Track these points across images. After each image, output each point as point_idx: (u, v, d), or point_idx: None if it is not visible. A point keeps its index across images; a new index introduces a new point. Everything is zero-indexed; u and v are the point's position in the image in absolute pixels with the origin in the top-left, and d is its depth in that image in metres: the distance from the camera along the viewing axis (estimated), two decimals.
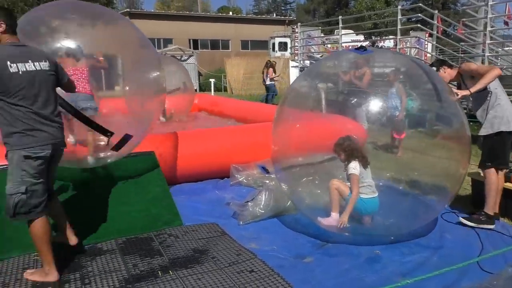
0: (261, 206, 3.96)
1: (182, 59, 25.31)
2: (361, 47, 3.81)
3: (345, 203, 3.58)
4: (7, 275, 3.04)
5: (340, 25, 12.72)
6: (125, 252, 3.37)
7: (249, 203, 4.00)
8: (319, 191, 4.07)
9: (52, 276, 2.90)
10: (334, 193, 3.61)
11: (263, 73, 13.84)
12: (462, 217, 3.91)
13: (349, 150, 3.55)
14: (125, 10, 32.24)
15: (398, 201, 4.05)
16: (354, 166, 3.49)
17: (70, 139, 4.08)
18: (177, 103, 9.50)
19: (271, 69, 13.42)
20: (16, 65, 2.69)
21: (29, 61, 2.76)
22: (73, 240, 3.32)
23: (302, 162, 4.33)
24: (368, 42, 18.11)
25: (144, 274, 3.00)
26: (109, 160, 4.17)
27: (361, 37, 20.36)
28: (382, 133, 4.29)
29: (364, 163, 3.55)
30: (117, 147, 3.77)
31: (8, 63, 2.65)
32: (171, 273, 3.00)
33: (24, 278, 2.96)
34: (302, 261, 3.22)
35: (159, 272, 3.02)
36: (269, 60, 14.47)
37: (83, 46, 3.94)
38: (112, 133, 3.61)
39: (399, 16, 10.56)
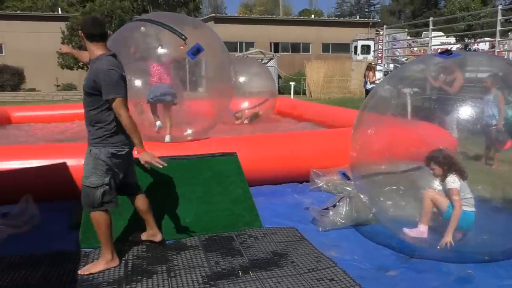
0: (342, 216, 3.88)
1: (263, 62, 25.73)
2: (446, 50, 3.57)
3: (432, 216, 3.39)
4: None
5: (431, 27, 12.07)
6: (207, 249, 3.51)
7: (330, 212, 3.94)
8: (403, 203, 3.88)
9: (115, 262, 3.18)
10: (427, 203, 3.39)
11: (364, 76, 13.35)
12: None
13: (446, 163, 3.32)
14: (211, 15, 33.63)
15: (492, 217, 3.72)
16: (453, 180, 3.27)
17: (157, 124, 5.40)
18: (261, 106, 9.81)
19: (371, 73, 12.88)
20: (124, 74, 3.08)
21: (124, 70, 3.13)
22: (158, 237, 3.53)
23: (382, 171, 4.16)
24: (459, 44, 16.96)
25: (226, 273, 3.09)
26: (187, 138, 5.13)
27: (452, 39, 19.12)
28: (474, 143, 3.98)
29: (462, 176, 3.31)
30: (192, 53, 4.51)
31: (124, 73, 3.04)
32: (251, 274, 3.06)
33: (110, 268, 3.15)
34: (385, 274, 3.09)
35: (240, 271, 3.09)
36: (370, 63, 13.94)
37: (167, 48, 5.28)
38: (186, 38, 4.40)
39: (499, 17, 9.75)
